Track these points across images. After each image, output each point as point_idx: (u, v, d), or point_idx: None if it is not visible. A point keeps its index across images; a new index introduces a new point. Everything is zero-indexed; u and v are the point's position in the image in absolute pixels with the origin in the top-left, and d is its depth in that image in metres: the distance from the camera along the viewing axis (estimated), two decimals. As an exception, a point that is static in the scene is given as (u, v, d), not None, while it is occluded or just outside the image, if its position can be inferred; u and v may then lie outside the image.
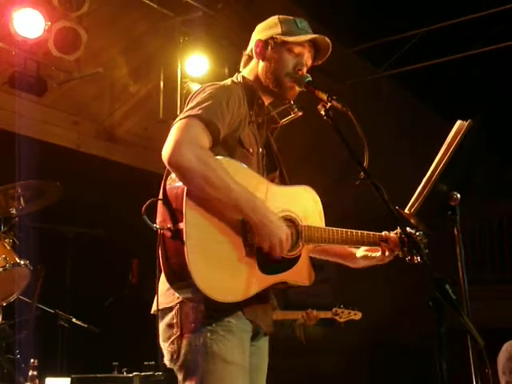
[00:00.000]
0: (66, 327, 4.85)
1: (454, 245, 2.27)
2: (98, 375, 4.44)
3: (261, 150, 2.40)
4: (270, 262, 2.24)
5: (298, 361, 7.43)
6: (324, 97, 2.25)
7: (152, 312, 2.29)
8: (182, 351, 2.16)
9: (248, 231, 2.20)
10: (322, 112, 2.26)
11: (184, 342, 2.16)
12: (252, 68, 2.47)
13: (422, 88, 8.84)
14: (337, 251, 2.67)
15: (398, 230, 2.51)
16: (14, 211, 4.43)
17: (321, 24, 7.78)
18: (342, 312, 5.25)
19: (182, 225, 2.08)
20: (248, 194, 2.16)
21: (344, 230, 2.49)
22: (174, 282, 2.16)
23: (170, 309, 2.20)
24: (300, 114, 2.47)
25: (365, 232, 2.55)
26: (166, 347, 2.22)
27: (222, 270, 2.14)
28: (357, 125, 2.16)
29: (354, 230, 2.54)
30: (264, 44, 2.43)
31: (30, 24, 4.99)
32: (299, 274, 2.39)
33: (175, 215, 2.11)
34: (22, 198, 4.44)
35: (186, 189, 2.10)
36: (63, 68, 5.63)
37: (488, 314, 7.17)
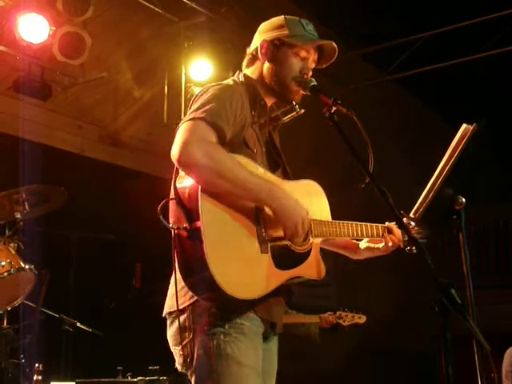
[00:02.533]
0: (71, 331, 4.85)
1: (459, 249, 2.26)
2: (103, 380, 4.43)
3: (264, 149, 2.40)
4: (283, 257, 2.25)
5: (300, 364, 7.42)
6: (329, 101, 2.24)
7: (164, 315, 2.28)
8: (196, 355, 2.15)
9: (262, 225, 2.20)
10: (327, 116, 2.26)
11: (197, 345, 2.14)
12: (256, 68, 2.45)
13: (426, 92, 8.83)
14: (340, 242, 2.70)
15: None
16: (18, 216, 4.43)
17: (325, 27, 7.79)
18: (346, 315, 5.22)
19: (198, 223, 2.06)
20: (262, 182, 2.17)
21: (350, 222, 2.53)
22: (191, 282, 2.13)
23: (182, 311, 2.18)
24: (302, 111, 2.45)
25: (369, 224, 2.58)
26: (177, 351, 2.21)
27: (241, 266, 2.14)
28: (362, 129, 2.15)
29: (359, 223, 2.56)
30: (270, 45, 2.40)
31: (34, 29, 5.01)
32: (311, 268, 2.42)
33: (190, 214, 2.09)
34: (26, 203, 4.45)
35: (199, 186, 2.09)
36: (67, 73, 5.65)
37: (492, 319, 7.14)
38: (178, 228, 2.09)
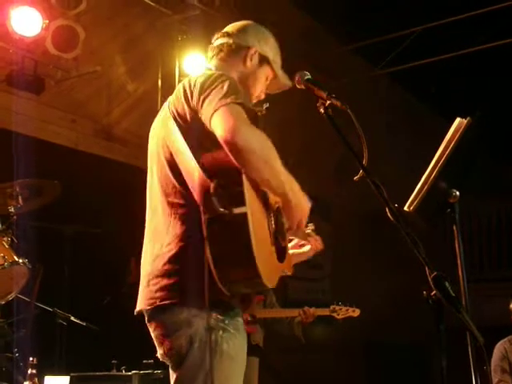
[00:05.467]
0: (65, 325, 4.85)
1: (452, 242, 2.27)
2: (97, 373, 4.44)
3: None
4: (279, 250, 2.28)
5: (294, 358, 7.45)
6: (323, 95, 2.25)
7: (157, 305, 2.18)
8: (187, 347, 2.12)
9: (271, 216, 2.23)
10: (321, 110, 2.26)
11: (192, 338, 2.12)
12: (234, 65, 2.46)
13: (418, 86, 8.86)
14: None
15: None
16: (12, 210, 4.43)
17: (318, 22, 7.82)
18: (340, 309, 5.22)
19: (244, 208, 2.02)
20: (288, 175, 2.19)
21: None
22: (225, 270, 2.06)
23: (183, 303, 2.13)
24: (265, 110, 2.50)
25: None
26: (167, 341, 2.17)
27: (266, 256, 2.14)
28: (356, 122, 2.16)
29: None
30: (258, 57, 2.47)
31: (27, 22, 4.99)
32: (289, 263, 2.46)
33: (232, 199, 2.04)
34: (20, 197, 4.45)
35: (242, 171, 2.07)
36: (61, 66, 5.63)
37: (485, 312, 7.19)
38: (224, 213, 2.02)
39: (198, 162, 2.11)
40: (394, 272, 8.14)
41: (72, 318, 4.83)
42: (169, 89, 6.25)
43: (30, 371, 3.77)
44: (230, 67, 2.45)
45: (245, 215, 2.01)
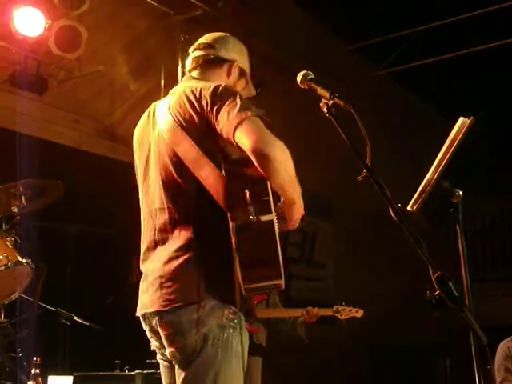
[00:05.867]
0: (68, 325, 4.86)
1: (456, 242, 2.27)
2: (101, 373, 4.45)
3: None
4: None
5: (297, 358, 7.45)
6: (326, 94, 2.25)
7: (170, 307, 2.25)
8: (204, 344, 2.20)
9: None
10: (325, 109, 2.26)
11: (208, 336, 2.20)
12: (220, 76, 2.56)
13: (421, 86, 8.86)
14: None
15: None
16: (15, 210, 4.44)
17: (320, 22, 7.82)
18: (344, 309, 5.21)
19: (271, 216, 2.15)
20: (297, 182, 2.29)
21: None
22: (251, 272, 2.18)
23: (197, 303, 2.21)
24: None
25: None
26: (180, 340, 2.23)
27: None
28: (359, 122, 2.16)
29: None
30: (239, 71, 2.59)
31: (30, 22, 5.01)
32: None
33: (262, 207, 2.16)
34: (23, 197, 4.45)
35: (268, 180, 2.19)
36: (64, 66, 5.64)
37: (488, 312, 7.18)
38: (254, 219, 2.14)
39: (222, 171, 2.22)
40: (397, 272, 8.13)
41: (75, 318, 4.84)
42: (171, 88, 6.27)
43: (33, 371, 3.77)
44: (217, 79, 2.53)
45: (272, 222, 2.16)
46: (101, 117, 6.50)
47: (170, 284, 2.25)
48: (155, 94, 6.36)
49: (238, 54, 2.64)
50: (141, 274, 2.46)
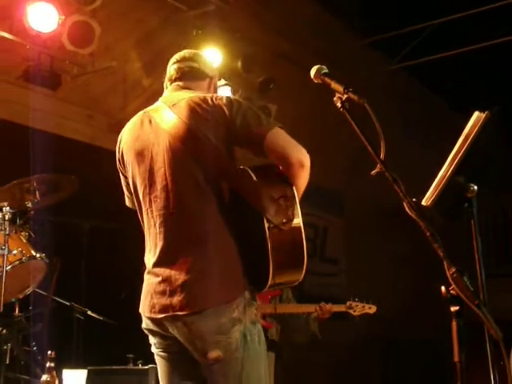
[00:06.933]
0: (82, 320, 4.88)
1: (470, 237, 2.26)
2: (114, 367, 4.46)
3: None
4: None
5: (310, 354, 7.45)
6: (340, 89, 2.24)
7: (208, 306, 2.30)
8: (244, 340, 2.32)
9: None
10: (338, 104, 2.25)
11: (246, 333, 2.32)
12: (203, 89, 2.65)
13: (435, 80, 8.80)
14: None
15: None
16: (29, 204, 4.47)
17: (333, 16, 7.79)
18: (357, 305, 5.19)
19: (299, 220, 2.35)
20: None
21: None
22: (281, 271, 2.34)
23: (235, 302, 2.30)
24: None
25: None
26: (222, 338, 2.30)
27: None
28: (374, 116, 2.15)
29: None
30: (213, 86, 2.72)
31: (44, 18, 5.02)
32: None
33: (292, 212, 2.34)
34: (37, 192, 4.48)
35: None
36: (77, 62, 5.65)
37: (503, 306, 7.14)
38: (286, 222, 2.32)
39: (252, 176, 2.36)
40: (409, 267, 8.11)
41: (89, 313, 4.86)
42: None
43: (48, 364, 3.79)
44: (200, 90, 2.61)
45: (300, 226, 2.35)
46: (114, 112, 6.51)
47: (202, 285, 2.30)
48: (168, 89, 6.38)
49: (214, 71, 2.77)
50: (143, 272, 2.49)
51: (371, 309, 5.22)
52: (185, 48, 6.61)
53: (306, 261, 2.36)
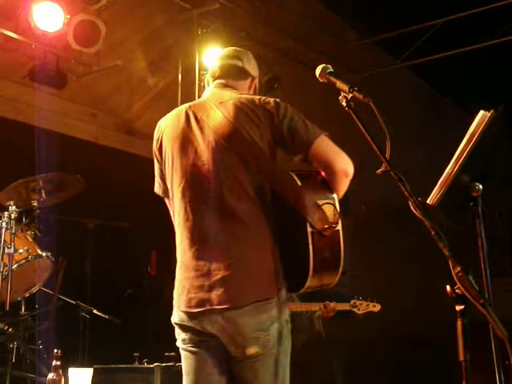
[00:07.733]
0: (87, 318, 4.89)
1: (475, 236, 2.26)
2: (120, 366, 4.47)
3: None
4: None
5: (314, 352, 7.44)
6: (345, 88, 2.24)
7: (247, 303, 2.34)
8: (280, 337, 2.38)
9: None
10: (344, 103, 2.26)
11: (281, 330, 2.38)
12: (244, 89, 2.66)
13: (440, 79, 8.78)
14: None
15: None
16: (35, 203, 4.48)
17: (337, 15, 7.78)
18: (361, 304, 5.19)
19: (339, 226, 2.44)
20: None
21: None
22: (321, 272, 2.40)
23: (273, 299, 2.35)
24: None
25: None
26: (261, 335, 2.35)
27: None
28: (379, 115, 2.15)
29: None
30: (255, 87, 2.72)
31: (49, 17, 5.03)
32: None
33: (334, 217, 2.43)
34: (43, 191, 4.50)
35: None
36: (82, 61, 5.67)
37: (508, 305, 7.12)
38: (328, 228, 2.39)
39: (296, 180, 2.40)
40: (414, 266, 8.10)
41: (95, 311, 4.87)
42: (189, 83, 6.27)
43: (54, 362, 3.80)
44: (242, 90, 2.64)
45: (339, 231, 2.44)
46: (119, 111, 6.52)
47: (243, 281, 2.34)
48: (173, 88, 6.39)
49: (257, 71, 2.76)
50: (174, 269, 2.49)
51: (375, 307, 5.22)
52: (189, 47, 6.63)
53: (343, 264, 2.45)
